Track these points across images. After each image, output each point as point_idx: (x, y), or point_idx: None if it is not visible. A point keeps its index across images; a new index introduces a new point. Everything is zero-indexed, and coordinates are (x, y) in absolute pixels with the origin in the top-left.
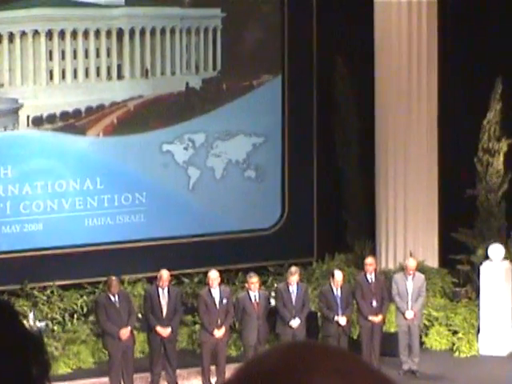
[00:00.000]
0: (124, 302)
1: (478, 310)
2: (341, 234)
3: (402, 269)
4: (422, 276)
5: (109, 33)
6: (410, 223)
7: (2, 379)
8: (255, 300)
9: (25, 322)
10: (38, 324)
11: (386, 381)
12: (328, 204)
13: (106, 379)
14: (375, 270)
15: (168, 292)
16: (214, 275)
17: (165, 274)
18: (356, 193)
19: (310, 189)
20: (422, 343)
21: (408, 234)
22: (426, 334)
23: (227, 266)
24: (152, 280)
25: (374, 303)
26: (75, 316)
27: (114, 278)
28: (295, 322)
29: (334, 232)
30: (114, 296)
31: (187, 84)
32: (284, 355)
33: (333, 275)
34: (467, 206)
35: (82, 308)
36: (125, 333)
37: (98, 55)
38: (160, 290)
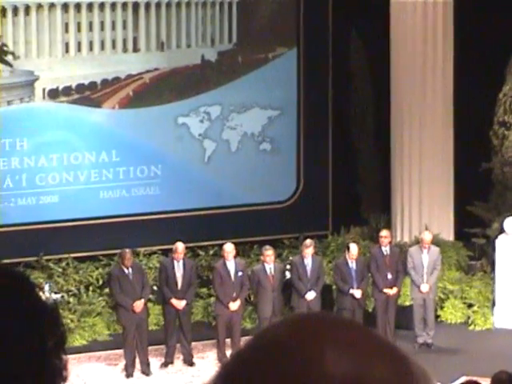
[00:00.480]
0: (138, 274)
1: (493, 283)
2: (356, 207)
3: (417, 242)
4: (437, 249)
5: (124, 5)
6: (425, 196)
7: (17, 351)
8: (270, 273)
9: (40, 294)
10: (54, 296)
11: (399, 354)
12: (343, 177)
13: (121, 351)
14: (390, 243)
15: (183, 264)
16: (229, 248)
17: (180, 246)
18: (371, 166)
19: (325, 162)
20: (437, 316)
21: (423, 207)
22: (441, 308)
23: (242, 238)
24: (167, 252)
25: (389, 276)
26: (90, 288)
27: (127, 250)
28: (310, 295)
29: (349, 205)
30: (127, 269)
31: (203, 56)
32: (296, 326)
33: (348, 248)
34: (482, 180)
35: (97, 280)
36: (139, 305)
37: (113, 28)
38: (175, 262)
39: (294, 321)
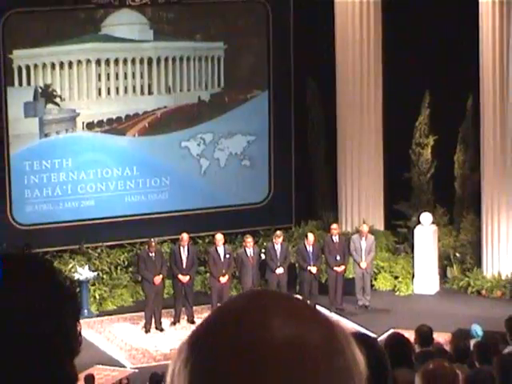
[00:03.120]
0: (159, 257)
1: (413, 260)
2: (312, 207)
3: (358, 231)
4: (372, 237)
5: (141, 60)
6: (363, 198)
7: (39, 324)
8: (250, 255)
9: (82, 271)
10: (92, 274)
11: (328, 322)
12: (303, 185)
13: (141, 314)
14: (338, 233)
15: (187, 250)
16: (219, 237)
17: (185, 236)
18: (323, 177)
19: (289, 173)
20: (372, 285)
21: (361, 206)
22: (375, 279)
23: (229, 230)
24: (175, 241)
25: (338, 257)
26: (119, 268)
27: (152, 239)
28: (279, 271)
29: (307, 205)
30: (151, 253)
31: (199, 97)
32: (247, 300)
33: (306, 236)
34: (404, 185)
35: (123, 262)
36: (158, 279)
37: (133, 77)
38: (181, 248)
39: (246, 296)
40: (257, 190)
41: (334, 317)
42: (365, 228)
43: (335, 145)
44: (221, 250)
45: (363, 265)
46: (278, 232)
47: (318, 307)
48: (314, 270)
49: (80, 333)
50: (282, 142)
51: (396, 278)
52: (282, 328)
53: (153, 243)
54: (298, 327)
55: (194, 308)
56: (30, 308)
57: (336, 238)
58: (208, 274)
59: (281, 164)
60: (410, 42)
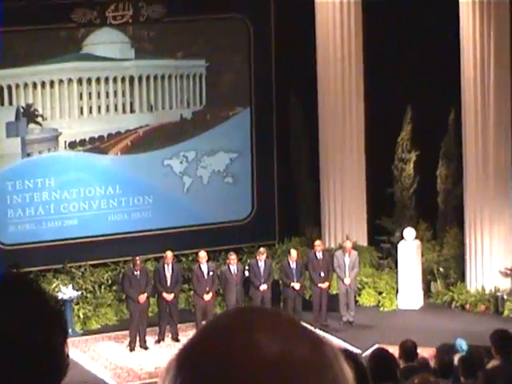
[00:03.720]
0: (144, 275)
1: (397, 276)
2: (296, 223)
3: (341, 247)
4: (356, 252)
5: (123, 79)
6: (346, 214)
7: (28, 338)
8: (234, 272)
9: (65, 290)
10: (75, 293)
11: (315, 337)
12: (286, 201)
13: (125, 332)
14: (322, 249)
15: (172, 267)
16: (202, 254)
17: (169, 254)
18: (306, 193)
19: (272, 190)
20: (356, 301)
21: (345, 222)
22: (359, 295)
23: (213, 247)
24: (159, 259)
25: (322, 274)
26: (102, 286)
27: (137, 258)
28: (263, 287)
29: (290, 222)
30: (136, 271)
31: (181, 115)
32: (234, 318)
33: (290, 253)
34: (387, 201)
35: (107, 280)
36: (142, 297)
37: (115, 95)
38: (166, 265)
39: (234, 313)
40: (240, 206)
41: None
42: (348, 244)
43: (318, 161)
44: (204, 267)
45: (347, 281)
46: (262, 249)
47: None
48: (297, 286)
49: (68, 355)
50: (265, 158)
51: (380, 293)
52: (269, 344)
53: (138, 261)
54: (286, 343)
55: (179, 326)
56: (19, 322)
57: (320, 255)
58: (192, 292)
59: (264, 180)
60: (391, 56)
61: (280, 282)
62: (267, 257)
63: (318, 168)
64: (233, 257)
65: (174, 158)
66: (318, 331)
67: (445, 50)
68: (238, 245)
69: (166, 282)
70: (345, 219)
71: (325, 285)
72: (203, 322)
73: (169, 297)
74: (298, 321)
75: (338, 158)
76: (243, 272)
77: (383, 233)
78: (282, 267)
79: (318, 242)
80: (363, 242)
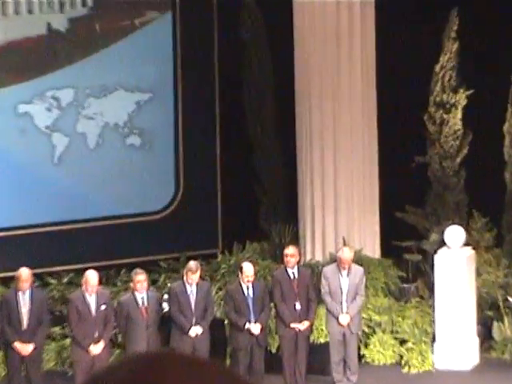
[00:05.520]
0: None
1: (433, 311)
2: (253, 218)
3: (334, 261)
4: (360, 269)
5: None
6: (342, 201)
7: None
8: (143, 304)
9: None
10: None
11: None
12: (236, 180)
13: None
14: (298, 262)
15: (30, 296)
16: (90, 275)
17: (24, 273)
18: (272, 164)
19: (213, 161)
20: (361, 356)
21: (340, 215)
22: (367, 345)
23: (106, 261)
24: (8, 282)
25: (298, 306)
26: None
27: None
28: (195, 331)
29: (244, 215)
30: None
31: (49, 25)
32: (133, 367)
33: (242, 270)
34: (416, 178)
35: None
36: None
37: None
38: (19, 294)
39: (131, 362)
40: (155, 189)
41: None
42: (346, 254)
43: (292, 108)
44: (91, 298)
45: (344, 319)
46: (193, 264)
47: None
48: (256, 329)
49: None
50: (199, 106)
51: (403, 342)
52: None
53: None
54: None
55: None
56: None
57: (295, 273)
58: (69, 340)
59: (197, 145)
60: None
61: (226, 321)
62: (202, 277)
63: (293, 116)
64: (141, 277)
65: (35, 101)
66: None
67: None
68: (150, 256)
69: (21, 322)
70: (340, 210)
71: (303, 325)
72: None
73: (25, 349)
74: (232, 372)
75: (328, 107)
76: (160, 304)
77: (408, 235)
78: (228, 295)
79: (291, 250)
80: (373, 250)
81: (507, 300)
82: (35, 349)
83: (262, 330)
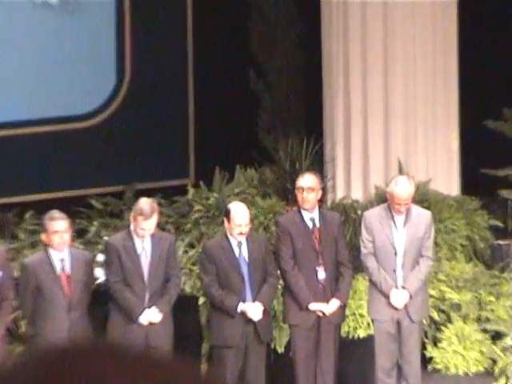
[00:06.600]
0: None
1: None
2: (248, 129)
3: (384, 200)
4: (428, 215)
5: None
6: (397, 101)
7: None
8: (63, 270)
9: None
10: None
11: None
12: (220, 66)
13: None
14: (321, 201)
15: None
16: None
17: None
18: (279, 41)
19: (182, 32)
20: (426, 360)
21: (393, 126)
22: (436, 343)
23: (2, 197)
24: None
25: (321, 274)
26: None
27: None
28: (149, 316)
29: (232, 125)
30: None
31: None
32: (37, 371)
33: (229, 215)
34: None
35: None
36: None
37: None
38: None
39: (53, 356)
40: (84, 81)
41: None
42: (403, 188)
43: None
44: None
45: (399, 298)
46: (145, 203)
47: None
48: (254, 312)
49: None
50: None
51: (497, 337)
52: None
53: None
54: None
55: None
56: None
57: (315, 218)
58: None
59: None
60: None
61: (202, 300)
62: (162, 227)
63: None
64: (58, 225)
65: None
66: None
67: None
68: (73, 190)
69: None
70: (394, 117)
71: (330, 307)
72: None
73: None
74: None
75: None
76: (90, 271)
77: (506, 159)
78: (207, 257)
79: (309, 181)
80: (448, 183)
81: None
82: None
83: (263, 314)
